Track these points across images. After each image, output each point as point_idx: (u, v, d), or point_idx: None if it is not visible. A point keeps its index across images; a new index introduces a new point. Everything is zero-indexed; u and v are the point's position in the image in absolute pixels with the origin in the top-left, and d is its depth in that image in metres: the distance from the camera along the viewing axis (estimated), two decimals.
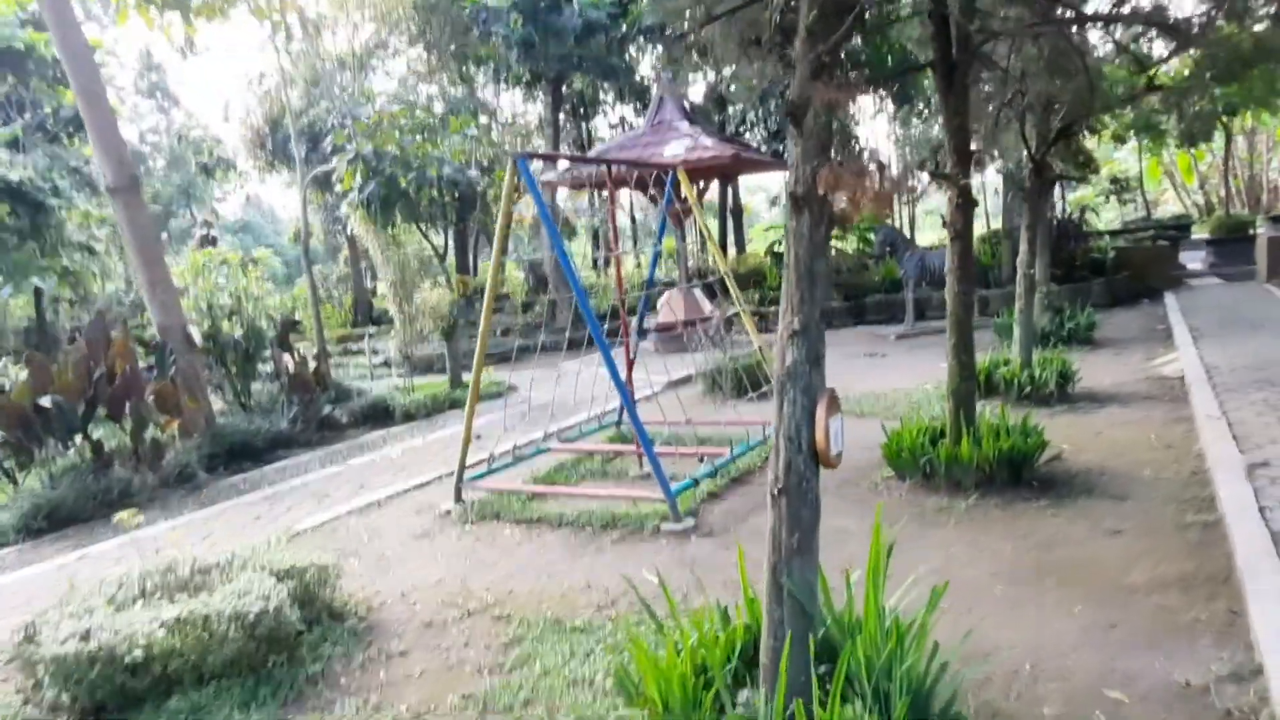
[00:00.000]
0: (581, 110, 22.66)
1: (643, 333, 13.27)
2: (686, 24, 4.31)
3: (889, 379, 10.41)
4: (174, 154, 30.52)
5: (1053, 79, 7.79)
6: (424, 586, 5.19)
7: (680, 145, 13.71)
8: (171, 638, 3.88)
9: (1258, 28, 6.76)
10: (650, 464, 5.85)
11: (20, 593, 5.96)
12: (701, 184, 15.26)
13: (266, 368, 11.23)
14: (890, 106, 19.07)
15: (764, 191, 45.62)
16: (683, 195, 7.81)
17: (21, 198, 12.82)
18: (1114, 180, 26.74)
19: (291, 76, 18.77)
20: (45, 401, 7.78)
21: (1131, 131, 15.96)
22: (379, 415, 11.04)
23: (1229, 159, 25.08)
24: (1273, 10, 6.82)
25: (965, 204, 6.02)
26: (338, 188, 10.80)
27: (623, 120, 22.48)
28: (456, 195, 15.29)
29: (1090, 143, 15.50)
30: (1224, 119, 18.53)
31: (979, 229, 23.22)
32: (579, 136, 23.30)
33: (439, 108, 21.96)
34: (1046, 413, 7.85)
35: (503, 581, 5.12)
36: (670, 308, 14.85)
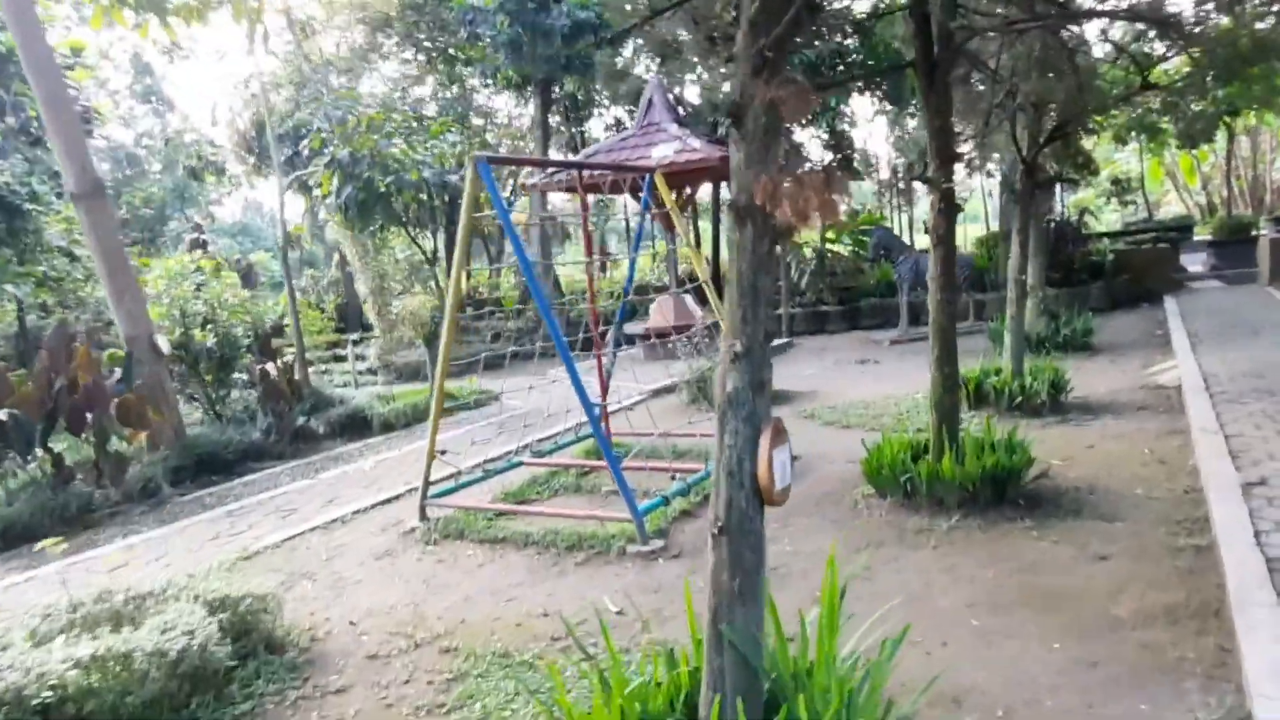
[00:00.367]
0: (575, 112, 22.39)
1: (629, 340, 13.03)
2: (633, 19, 4.05)
3: (880, 387, 10.15)
4: (167, 157, 30.31)
5: (1044, 78, 7.55)
6: (376, 613, 4.94)
7: (669, 147, 13.44)
8: (87, 676, 3.63)
9: (1259, 26, 6.50)
10: (616, 480, 5.58)
11: None
12: (689, 189, 14.98)
13: (244, 376, 10.97)
14: (888, 108, 18.84)
15: None
16: (665, 200, 7.55)
17: None
18: (1115, 181, 26.41)
19: (278, 79, 18.58)
20: (2, 415, 7.54)
21: (1133, 133, 15.65)
22: (357, 425, 10.76)
23: (1231, 159, 24.73)
24: (1274, 8, 6.56)
25: (948, 208, 5.76)
26: (316, 192, 10.56)
27: (617, 122, 22.22)
28: (447, 198, 15.06)
29: (1090, 144, 15.19)
30: (1227, 119, 18.22)
31: (979, 231, 22.97)
32: (572, 138, 23.04)
33: (431, 110, 21.74)
34: (1038, 424, 7.58)
35: (458, 607, 4.87)
36: (661, 313, 14.59)
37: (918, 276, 13.31)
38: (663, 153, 12.98)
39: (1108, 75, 8.43)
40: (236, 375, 10.85)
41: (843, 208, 2.55)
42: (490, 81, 18.97)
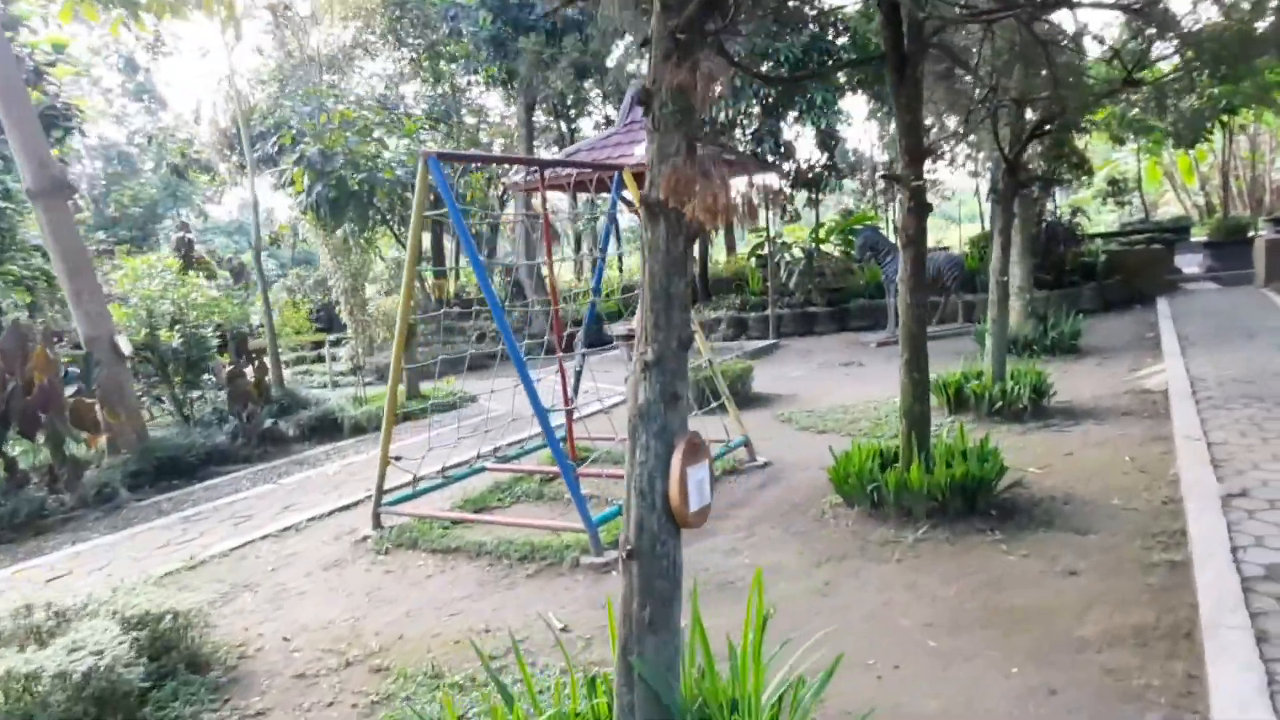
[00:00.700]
0: (564, 110, 22.14)
1: (607, 341, 12.79)
2: None
3: (863, 390, 9.92)
4: (155, 156, 30.08)
5: (1025, 73, 7.32)
6: (313, 628, 4.72)
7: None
8: None
9: (1257, 26, 6.25)
10: (569, 489, 5.36)
11: None
12: None
13: (214, 378, 10.73)
14: (884, 107, 18.58)
15: None
16: (635, 198, 7.33)
17: None
18: (1111, 182, 26.14)
19: (262, 75, 18.32)
20: None
21: (1131, 133, 15.40)
22: (327, 428, 10.51)
23: (1229, 159, 24.47)
24: (1272, 4, 6.30)
25: (918, 207, 5.53)
26: (288, 190, 10.35)
27: (607, 119, 21.98)
28: (433, 197, 14.78)
29: (1084, 143, 14.93)
30: (1223, 118, 17.98)
31: (974, 231, 22.71)
32: (562, 136, 22.79)
33: (421, 109, 21.49)
34: (1018, 429, 7.37)
35: (398, 623, 4.66)
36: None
37: None
38: (644, 151, 12.73)
39: (1094, 71, 8.19)
40: (206, 377, 10.61)
41: (757, 202, 2.33)
42: (474, 78, 18.71)
